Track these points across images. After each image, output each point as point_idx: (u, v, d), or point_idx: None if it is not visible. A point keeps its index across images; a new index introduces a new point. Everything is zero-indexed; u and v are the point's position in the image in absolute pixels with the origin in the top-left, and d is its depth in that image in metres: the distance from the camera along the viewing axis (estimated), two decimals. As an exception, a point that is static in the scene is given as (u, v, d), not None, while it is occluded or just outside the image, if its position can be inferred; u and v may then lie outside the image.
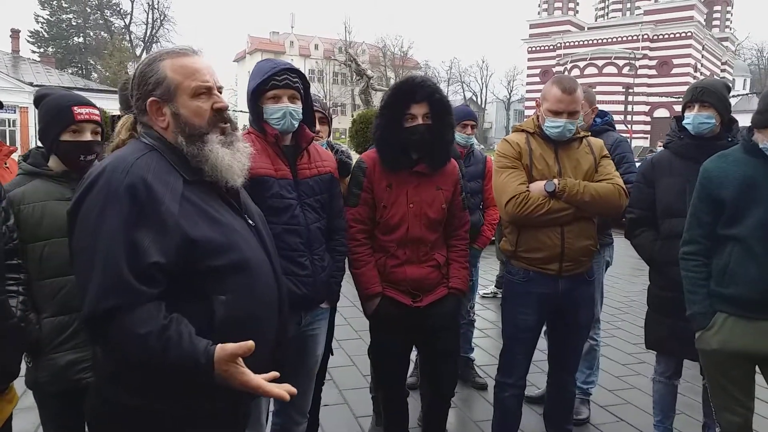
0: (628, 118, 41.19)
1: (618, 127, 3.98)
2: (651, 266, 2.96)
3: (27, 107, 31.45)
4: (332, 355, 3.04)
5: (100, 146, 2.15)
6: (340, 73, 53.04)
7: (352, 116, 15.90)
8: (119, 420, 1.44)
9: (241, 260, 1.46)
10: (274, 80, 2.23)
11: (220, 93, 1.56)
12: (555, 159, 2.69)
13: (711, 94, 2.72)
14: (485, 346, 5.00)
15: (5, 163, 2.69)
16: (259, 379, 1.37)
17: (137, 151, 1.44)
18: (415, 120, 2.59)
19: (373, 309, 2.68)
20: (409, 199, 2.65)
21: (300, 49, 59.15)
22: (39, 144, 2.25)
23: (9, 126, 31.25)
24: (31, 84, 31.66)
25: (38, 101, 2.25)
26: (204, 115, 1.50)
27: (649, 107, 48.84)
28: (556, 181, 2.61)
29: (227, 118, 1.55)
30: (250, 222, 1.61)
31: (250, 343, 1.32)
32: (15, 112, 31.22)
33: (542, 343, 3.02)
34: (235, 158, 1.53)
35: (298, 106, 2.28)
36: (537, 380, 3.81)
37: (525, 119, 3.18)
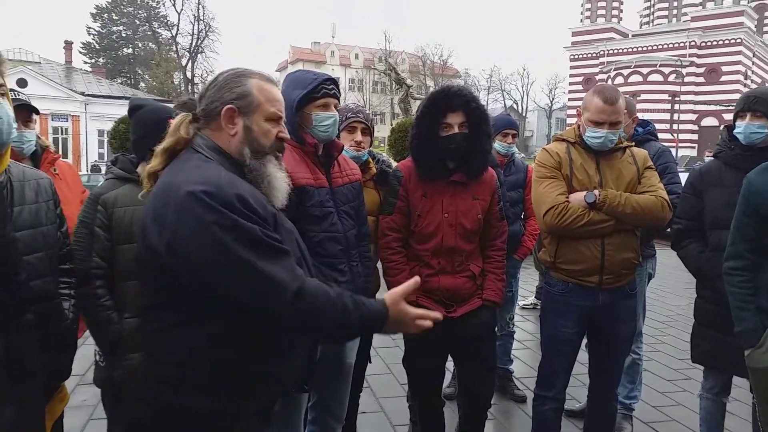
0: (674, 127, 40.16)
1: (663, 136, 3.90)
2: (698, 278, 2.88)
3: (79, 116, 32.66)
4: (370, 362, 3.06)
5: None
6: (380, 82, 53.40)
7: (391, 125, 15.97)
8: (162, 421, 1.48)
9: (299, 263, 1.55)
10: (325, 88, 2.27)
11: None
12: (596, 169, 2.65)
13: (764, 103, 2.64)
14: (525, 357, 4.93)
15: (54, 170, 2.80)
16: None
17: (212, 166, 1.50)
18: (452, 129, 2.60)
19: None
20: (444, 208, 2.65)
21: (341, 58, 59.82)
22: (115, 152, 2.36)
23: (62, 134, 32.48)
24: (82, 93, 32.90)
25: (132, 112, 2.34)
26: (270, 138, 1.60)
27: (696, 116, 47.46)
28: (596, 192, 2.57)
29: (283, 148, 1.67)
30: (287, 226, 1.67)
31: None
32: (67, 121, 32.46)
33: (583, 355, 2.96)
34: (284, 182, 1.63)
35: (338, 115, 2.33)
36: (578, 394, 3.74)
37: (567, 127, 3.14)
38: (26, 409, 1.53)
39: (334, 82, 2.33)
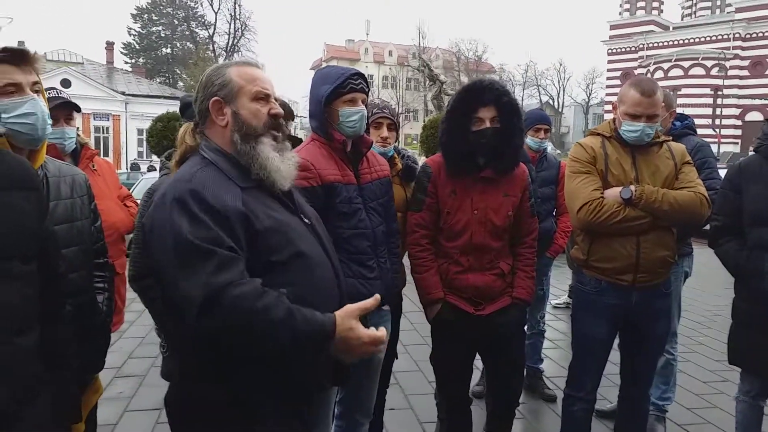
0: (717, 122, 38.98)
1: (705, 132, 3.80)
2: (736, 277, 2.79)
3: (119, 115, 33.50)
4: (397, 358, 3.06)
5: None
6: (414, 78, 53.15)
7: (424, 122, 15.92)
8: (201, 413, 1.50)
9: (300, 254, 1.52)
10: (352, 83, 2.26)
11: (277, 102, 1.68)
12: (632, 164, 2.59)
13: None
14: (555, 357, 4.87)
15: (92, 166, 2.89)
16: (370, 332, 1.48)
17: (196, 165, 1.55)
18: (483, 123, 2.55)
19: (433, 314, 2.66)
20: (473, 205, 2.61)
21: (374, 55, 59.84)
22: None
23: (103, 133, 33.40)
24: (123, 93, 33.75)
25: (184, 109, 2.44)
26: (261, 117, 1.61)
27: (740, 110, 46.01)
28: (632, 187, 2.50)
29: (281, 125, 1.66)
30: (306, 221, 1.66)
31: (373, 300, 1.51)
32: (108, 120, 33.34)
33: (615, 355, 2.90)
34: (283, 163, 1.61)
35: (366, 111, 2.32)
36: (609, 394, 3.68)
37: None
38: (62, 399, 1.57)
39: (362, 76, 2.32)
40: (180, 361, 1.54)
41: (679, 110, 3.52)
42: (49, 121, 1.81)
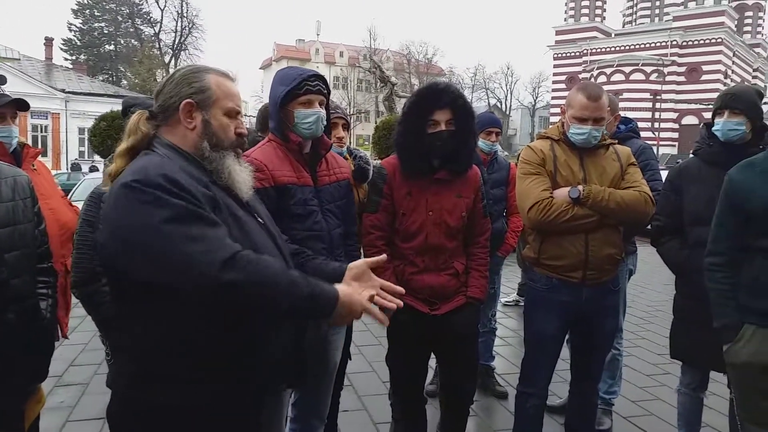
0: (656, 125, 40.60)
1: (645, 134, 3.94)
2: (677, 274, 2.91)
3: (59, 113, 32.17)
4: (350, 360, 3.05)
5: None
6: (365, 80, 53.20)
7: (376, 123, 15.93)
8: (142, 420, 1.46)
9: (255, 249, 1.50)
10: (308, 85, 2.25)
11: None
12: (580, 166, 2.67)
13: (742, 101, 2.68)
14: (506, 354, 4.96)
15: (32, 166, 2.77)
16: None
17: (156, 157, 1.51)
18: (438, 126, 2.57)
19: (389, 316, 2.66)
20: (428, 206, 2.63)
21: (325, 56, 59.52)
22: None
23: (41, 131, 31.99)
24: (63, 91, 32.41)
25: (126, 110, 2.36)
26: (229, 134, 1.61)
27: (677, 114, 48.05)
28: (580, 187, 2.58)
29: (243, 143, 1.68)
30: (260, 220, 1.67)
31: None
32: (47, 118, 31.96)
33: (565, 352, 2.98)
34: (246, 175, 1.63)
35: (324, 112, 2.30)
36: (559, 390, 3.77)
37: (550, 126, 3.16)
38: (4, 409, 1.50)
39: (320, 78, 2.30)
40: (124, 364, 1.48)
41: (621, 113, 3.64)
42: None
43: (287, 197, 2.20)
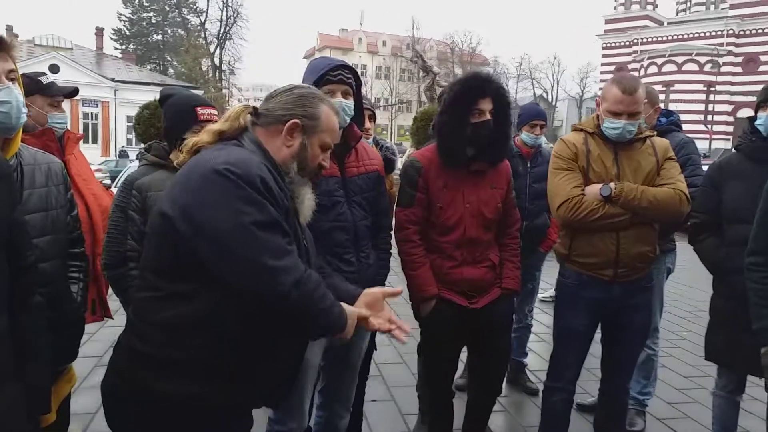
0: (709, 118, 39.14)
1: (697, 128, 3.79)
2: (714, 274, 2.81)
3: (108, 102, 33.17)
4: (375, 350, 3.06)
5: None
6: (407, 69, 53.03)
7: (415, 113, 15.84)
8: (135, 400, 1.49)
9: None
10: (329, 76, 2.25)
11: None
12: (614, 161, 2.59)
13: None
14: (539, 350, 4.89)
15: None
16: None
17: (245, 152, 1.55)
18: (483, 115, 2.56)
19: (428, 311, 2.65)
20: (465, 198, 2.62)
21: (368, 46, 59.55)
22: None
23: (92, 119, 33.07)
24: (112, 79, 33.40)
25: (163, 101, 2.42)
26: (315, 162, 1.69)
27: (732, 107, 46.25)
28: (612, 185, 2.51)
29: (318, 175, 1.76)
30: (305, 244, 1.69)
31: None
32: (97, 106, 33.02)
33: (598, 349, 2.93)
34: (312, 203, 1.70)
35: (350, 102, 2.30)
36: (591, 388, 3.70)
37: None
38: (31, 388, 1.55)
39: (344, 68, 2.30)
40: (139, 345, 1.50)
41: (671, 106, 3.55)
42: (24, 110, 1.79)
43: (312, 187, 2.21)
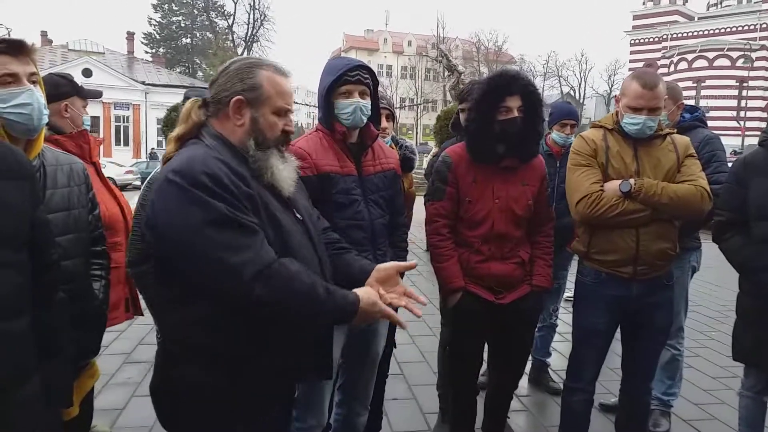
0: (742, 114, 38.18)
1: (729, 124, 3.70)
2: (741, 272, 2.75)
3: (139, 105, 33.79)
4: (395, 348, 3.07)
5: None
6: (432, 69, 52.79)
7: (438, 113, 15.81)
8: (182, 396, 1.53)
9: (289, 251, 1.54)
10: (347, 76, 2.28)
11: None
12: (633, 157, 2.56)
13: None
14: (563, 350, 4.83)
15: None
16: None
17: (201, 148, 1.54)
18: (511, 113, 2.58)
19: (454, 303, 2.68)
20: (495, 194, 2.63)
21: (393, 46, 59.54)
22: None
23: (123, 122, 33.72)
24: (143, 83, 34.00)
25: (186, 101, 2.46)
26: (275, 131, 1.63)
27: (766, 103, 45.06)
28: (632, 181, 2.48)
29: (288, 140, 1.69)
30: (298, 216, 1.68)
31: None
32: (128, 109, 33.65)
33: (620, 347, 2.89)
34: (289, 171, 1.65)
35: (367, 102, 2.32)
36: (615, 388, 3.63)
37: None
38: (53, 382, 1.60)
39: (362, 68, 2.31)
40: (165, 342, 1.56)
41: (702, 102, 3.47)
42: (46, 112, 1.84)
43: (330, 186, 2.24)
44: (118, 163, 23.84)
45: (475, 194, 2.64)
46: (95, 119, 31.54)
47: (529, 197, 2.67)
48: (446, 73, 27.33)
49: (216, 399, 1.50)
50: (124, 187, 18.45)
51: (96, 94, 2.72)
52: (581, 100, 63.89)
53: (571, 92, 64.05)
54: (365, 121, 2.34)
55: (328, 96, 2.32)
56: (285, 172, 1.62)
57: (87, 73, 30.12)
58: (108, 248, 2.29)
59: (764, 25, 45.89)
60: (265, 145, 1.60)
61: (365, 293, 1.57)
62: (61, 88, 2.60)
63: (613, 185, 2.51)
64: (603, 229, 2.56)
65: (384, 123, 2.80)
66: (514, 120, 2.57)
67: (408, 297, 1.66)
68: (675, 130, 2.76)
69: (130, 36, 40.54)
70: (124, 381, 4.01)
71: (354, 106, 2.28)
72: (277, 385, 1.62)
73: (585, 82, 65.35)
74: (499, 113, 2.58)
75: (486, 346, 2.92)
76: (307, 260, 1.59)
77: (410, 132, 52.77)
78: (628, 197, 2.47)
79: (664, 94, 2.57)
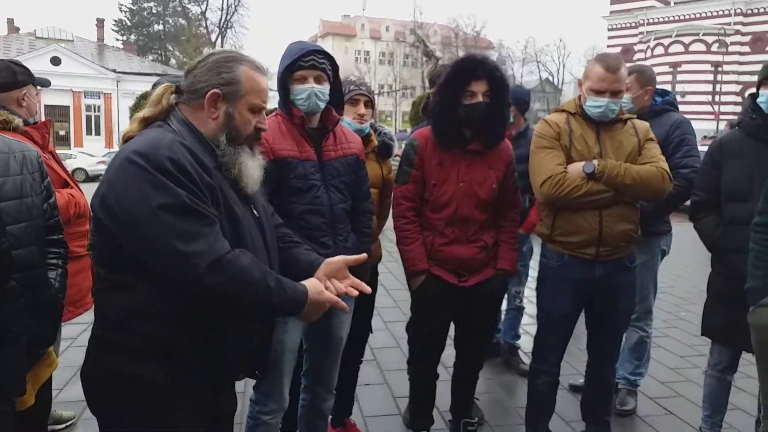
0: (717, 98, 38.72)
1: (705, 108, 3.71)
2: (712, 252, 2.81)
3: (111, 93, 33.17)
4: (371, 333, 3.08)
5: None
6: (411, 55, 52.67)
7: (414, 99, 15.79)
8: (109, 384, 1.51)
9: (242, 242, 1.54)
10: (301, 61, 2.24)
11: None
12: (596, 140, 2.59)
13: None
14: (534, 332, 4.88)
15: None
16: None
17: (167, 133, 1.51)
18: (476, 97, 2.58)
19: (417, 285, 2.71)
20: (459, 177, 2.64)
21: (371, 31, 59.14)
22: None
23: (94, 111, 33.08)
24: (114, 71, 33.35)
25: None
26: (249, 128, 1.62)
27: (740, 87, 45.70)
28: (595, 162, 2.51)
29: (260, 138, 1.69)
30: (255, 213, 1.67)
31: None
32: (100, 98, 33.01)
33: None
34: (256, 169, 1.65)
35: (324, 87, 2.28)
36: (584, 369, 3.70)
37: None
38: (5, 371, 1.58)
39: (317, 53, 2.28)
40: (101, 332, 1.53)
41: (678, 87, 3.49)
42: None
43: (288, 171, 2.22)
44: (90, 154, 23.45)
45: (439, 177, 2.65)
46: (65, 108, 30.95)
47: (494, 181, 2.68)
48: (424, 59, 27.32)
49: (146, 388, 1.48)
50: (96, 178, 18.13)
51: (46, 83, 2.65)
52: (560, 86, 64.29)
53: (550, 77, 64.41)
54: (322, 106, 2.31)
55: (285, 81, 2.29)
56: (253, 169, 1.63)
57: (56, 61, 29.52)
58: (81, 235, 2.25)
59: (738, 10, 46.42)
60: (237, 141, 1.59)
61: (312, 284, 1.61)
62: (18, 77, 2.55)
63: (576, 167, 2.53)
64: (566, 211, 2.58)
65: (362, 109, 2.76)
66: (478, 104, 2.57)
67: (355, 288, 1.70)
68: (635, 116, 2.79)
69: (100, 23, 39.75)
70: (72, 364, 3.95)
71: (308, 91, 2.25)
72: (210, 377, 1.60)
73: (563, 67, 65.71)
74: (464, 97, 2.59)
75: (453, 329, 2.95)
76: (258, 254, 1.59)
77: (389, 119, 52.68)
78: (592, 178, 2.49)
79: (626, 78, 2.60)
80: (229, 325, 1.54)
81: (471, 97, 2.58)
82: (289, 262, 1.75)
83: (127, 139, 1.56)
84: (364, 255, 1.79)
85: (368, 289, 1.72)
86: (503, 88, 2.63)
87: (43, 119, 2.79)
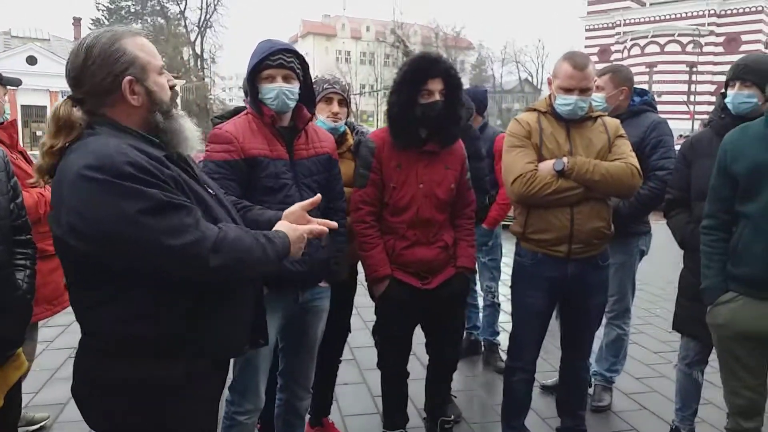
0: (692, 98, 39.29)
1: (680, 108, 3.74)
2: (683, 249, 2.86)
3: (88, 93, 32.56)
4: (350, 332, 3.08)
5: None
6: (391, 55, 52.65)
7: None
8: (102, 392, 1.49)
9: (216, 223, 1.53)
10: (268, 60, 2.23)
11: None
12: (566, 138, 2.62)
13: (753, 72, 2.54)
14: (512, 330, 4.92)
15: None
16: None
17: (111, 139, 1.42)
18: (432, 96, 2.57)
19: (381, 291, 2.68)
20: (418, 179, 2.62)
21: (351, 31, 59.02)
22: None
23: (72, 111, 32.42)
24: (92, 70, 32.71)
25: None
26: (167, 91, 1.57)
27: (714, 87, 46.39)
28: (565, 159, 2.54)
29: (177, 95, 1.64)
30: (210, 191, 1.65)
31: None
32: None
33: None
34: (194, 127, 1.63)
35: (293, 86, 2.27)
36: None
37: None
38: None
39: (285, 52, 2.26)
40: (95, 344, 1.51)
41: (655, 87, 3.52)
42: None
43: (258, 170, 2.20)
44: (68, 154, 23.04)
45: (399, 180, 2.63)
46: (42, 109, 30.38)
47: (452, 181, 2.68)
48: (404, 59, 27.35)
49: (161, 389, 1.47)
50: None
51: (16, 82, 2.61)
52: (539, 86, 64.72)
53: (529, 78, 64.82)
54: (291, 105, 2.29)
55: (253, 80, 2.28)
56: (192, 129, 1.61)
57: (31, 60, 29.01)
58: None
59: (712, 11, 47.14)
60: (167, 109, 1.55)
61: (283, 225, 1.69)
62: None
63: (547, 164, 2.56)
64: (538, 209, 2.60)
65: (336, 108, 2.75)
66: (435, 103, 2.56)
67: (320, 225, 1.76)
68: (606, 114, 2.83)
69: (77, 21, 39.10)
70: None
71: (276, 90, 2.23)
72: (218, 361, 1.63)
73: (543, 68, 66.08)
74: (421, 96, 2.57)
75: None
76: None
77: (371, 119, 52.63)
78: (562, 175, 2.52)
79: (594, 75, 2.63)
80: (219, 307, 1.54)
81: (428, 96, 2.57)
82: (250, 225, 1.73)
83: (47, 172, 1.45)
84: (318, 196, 1.83)
85: (334, 224, 1.78)
86: (457, 88, 2.63)
87: (19, 119, 2.74)
